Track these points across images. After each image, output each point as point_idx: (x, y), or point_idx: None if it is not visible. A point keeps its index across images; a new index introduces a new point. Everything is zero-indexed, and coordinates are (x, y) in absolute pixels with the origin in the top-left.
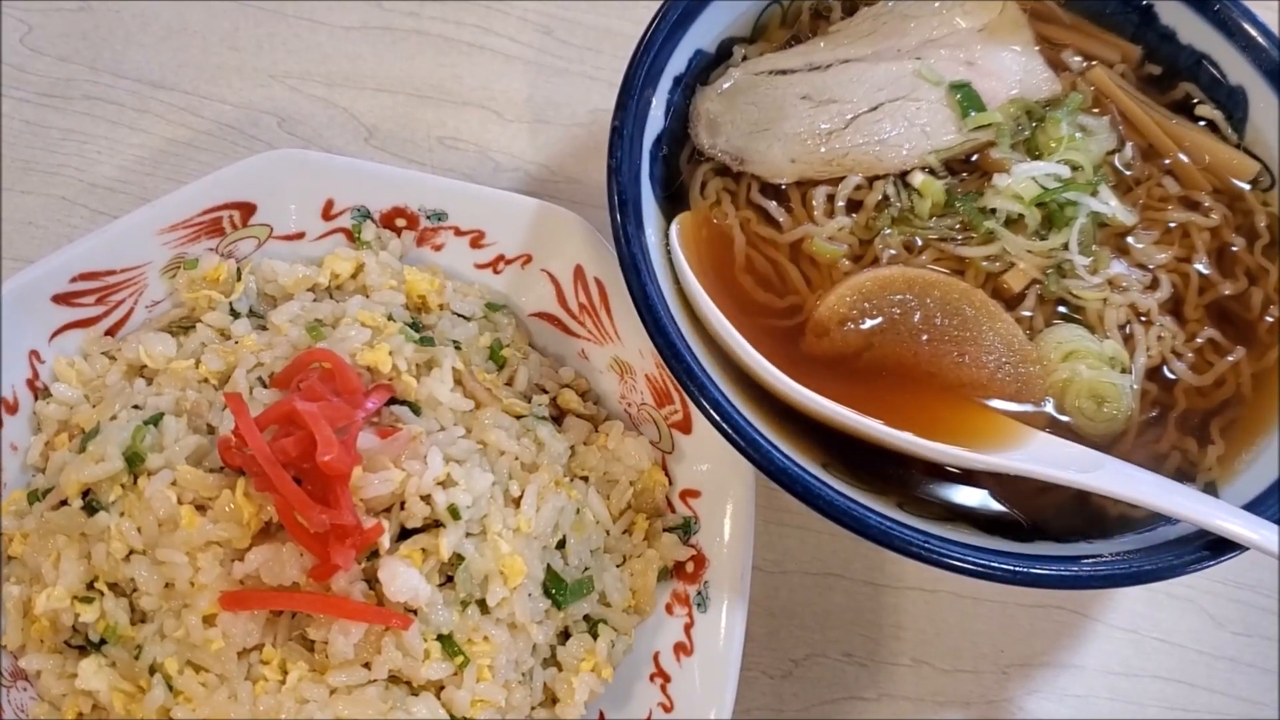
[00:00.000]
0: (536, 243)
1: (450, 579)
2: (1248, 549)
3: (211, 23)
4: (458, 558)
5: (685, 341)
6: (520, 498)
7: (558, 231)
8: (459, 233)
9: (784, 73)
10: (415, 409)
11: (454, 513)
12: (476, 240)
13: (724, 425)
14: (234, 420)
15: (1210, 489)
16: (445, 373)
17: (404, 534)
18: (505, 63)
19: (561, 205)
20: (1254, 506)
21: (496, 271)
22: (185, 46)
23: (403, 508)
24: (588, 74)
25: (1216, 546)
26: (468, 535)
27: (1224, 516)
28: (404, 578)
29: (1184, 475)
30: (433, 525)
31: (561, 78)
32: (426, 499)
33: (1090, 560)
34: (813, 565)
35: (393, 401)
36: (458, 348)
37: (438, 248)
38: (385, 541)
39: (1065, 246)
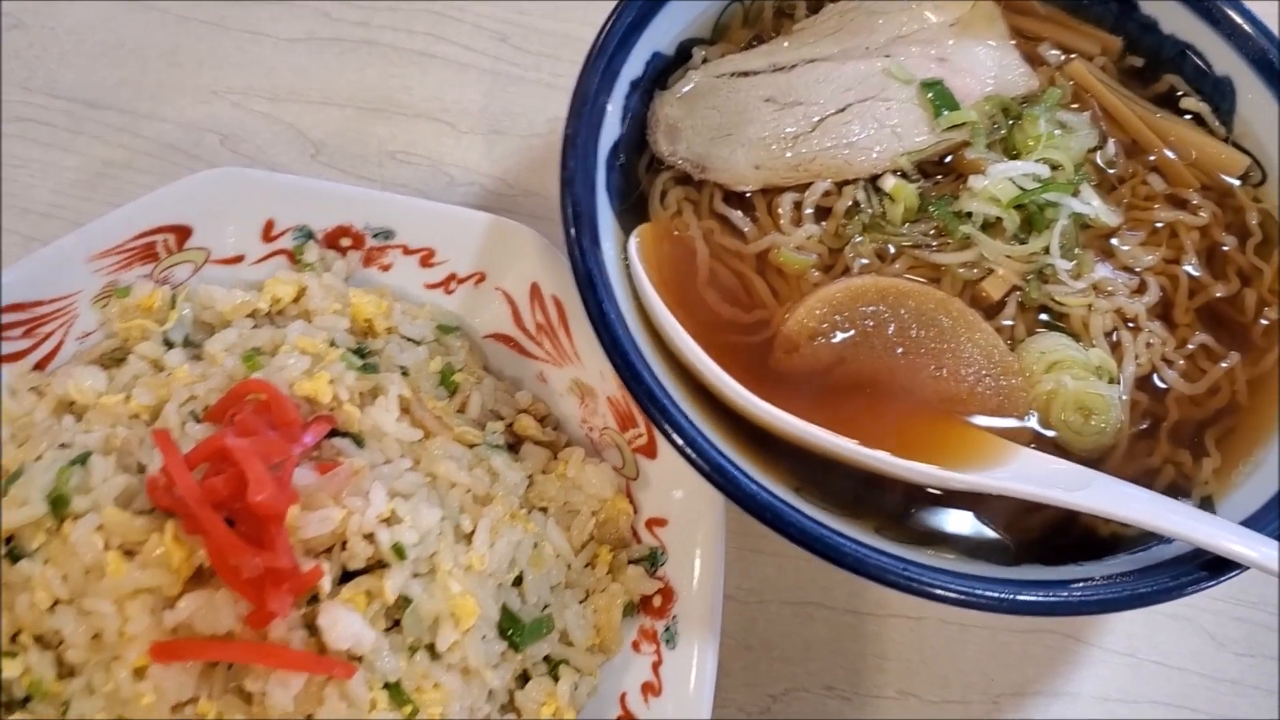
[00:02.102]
0: (490, 260)
1: (397, 623)
2: (1248, 568)
3: (150, 39)
4: (404, 600)
5: (646, 362)
6: (473, 533)
7: (512, 247)
8: (408, 251)
9: (746, 74)
10: (358, 441)
11: (399, 552)
12: (426, 259)
13: (688, 450)
14: (162, 458)
15: (1207, 504)
16: (390, 401)
17: (346, 576)
18: (459, 72)
19: (519, 220)
20: (1254, 522)
21: (448, 291)
22: (123, 64)
23: (344, 548)
24: (545, 82)
25: (1215, 566)
26: (415, 575)
27: (1221, 534)
28: (346, 623)
29: (1178, 490)
30: (377, 566)
31: (518, 86)
32: (370, 538)
33: (1080, 584)
34: (791, 594)
35: (334, 434)
36: (405, 374)
37: (385, 268)
38: (326, 585)
39: (1046, 250)
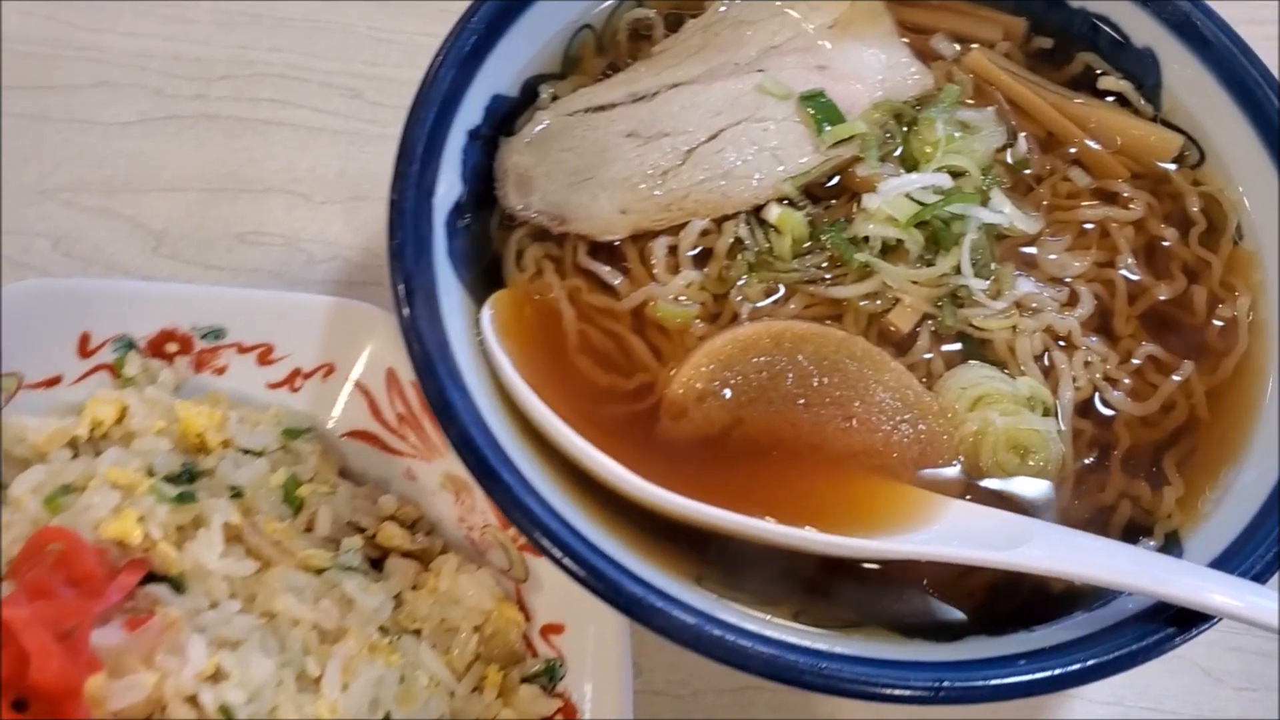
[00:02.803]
0: (337, 348)
1: None
2: None
3: None
4: None
5: (504, 453)
6: (321, 677)
7: (360, 331)
8: (242, 349)
9: (603, 109)
10: (177, 585)
11: (227, 714)
12: (264, 356)
13: (553, 550)
14: None
15: (1172, 541)
16: (214, 534)
17: None
18: (309, 136)
19: (387, 294)
20: (1230, 559)
21: (294, 389)
22: None
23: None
24: None
25: (1187, 616)
26: None
27: (1191, 584)
28: None
29: (1138, 528)
30: None
31: (377, 145)
32: (192, 700)
33: (1027, 660)
34: (727, 679)
35: (150, 579)
36: (238, 495)
37: (220, 371)
38: None
39: (957, 270)
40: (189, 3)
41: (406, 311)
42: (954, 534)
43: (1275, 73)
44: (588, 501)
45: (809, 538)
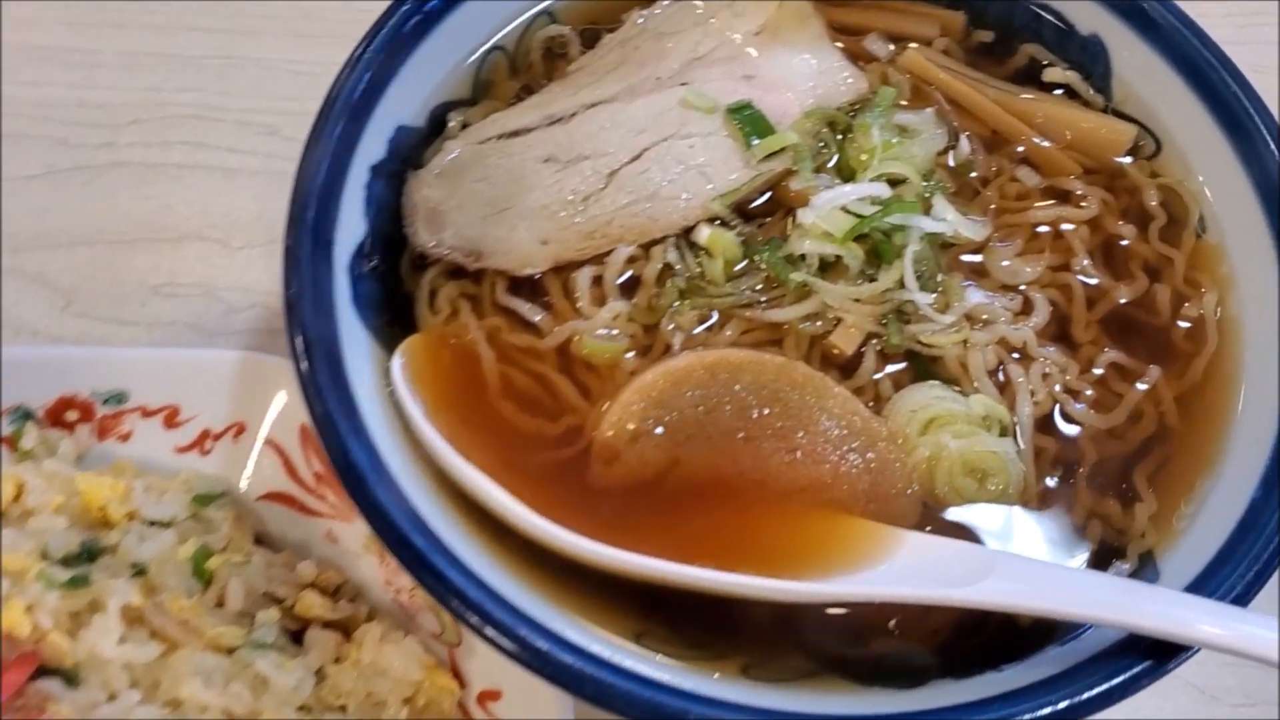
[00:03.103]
0: (247, 406)
1: None
2: None
3: None
4: None
5: (414, 515)
6: None
7: (271, 386)
8: (147, 413)
9: (518, 134)
10: (70, 679)
11: None
12: (171, 418)
13: (469, 617)
14: None
15: (1147, 562)
16: (111, 619)
17: None
18: (226, 179)
19: None
20: (1210, 579)
21: (204, 452)
22: None
23: None
24: None
25: (1165, 647)
26: None
27: (1176, 617)
28: None
29: (1111, 550)
30: None
31: None
32: None
33: (998, 704)
34: None
35: (41, 673)
36: (142, 572)
37: (124, 437)
38: None
39: (901, 284)
40: (93, 48)
41: (305, 366)
42: (909, 570)
43: (1277, 117)
44: (515, 559)
45: (753, 584)
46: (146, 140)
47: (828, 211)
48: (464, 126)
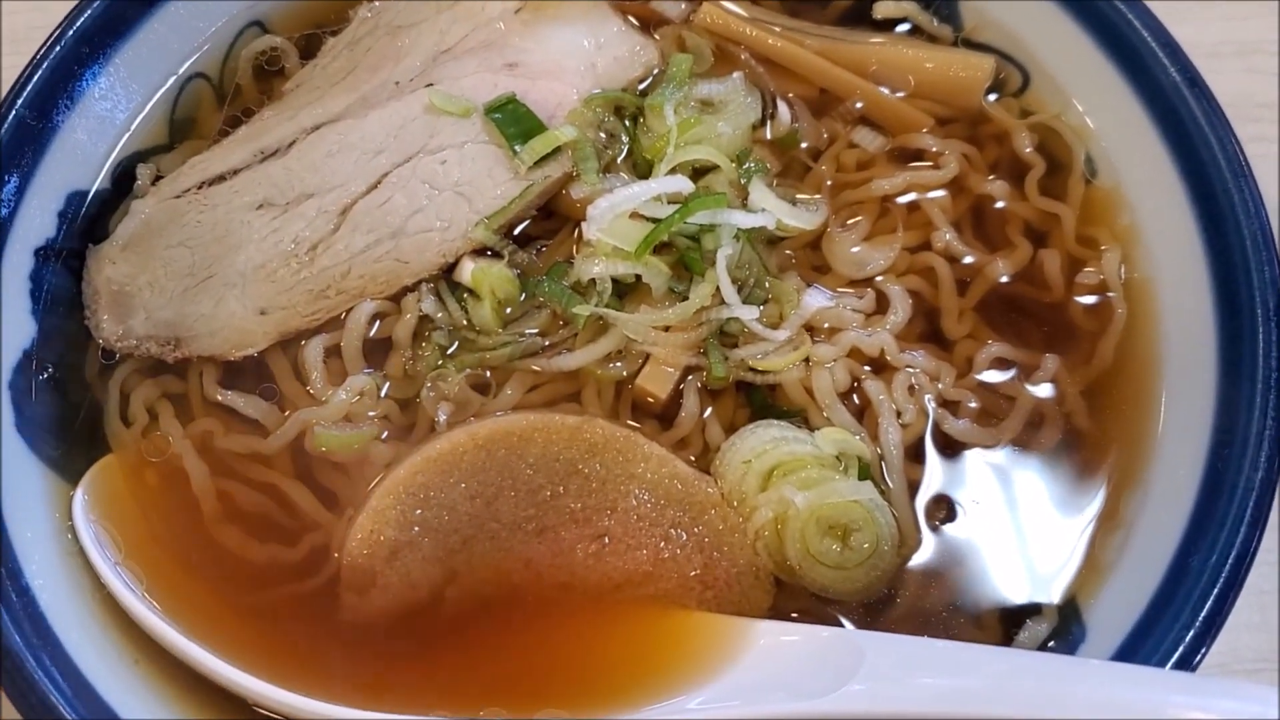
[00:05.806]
0: None
1: None
2: None
3: None
4: None
5: (89, 691)
6: None
7: None
8: None
9: (222, 178)
10: None
11: None
12: None
13: None
14: None
15: (1070, 615)
16: None
17: None
18: None
19: None
20: (1149, 631)
21: None
22: None
23: None
24: None
25: None
26: None
27: (1120, 697)
28: None
29: (1022, 609)
30: None
31: None
32: None
33: None
34: None
35: None
36: None
37: None
38: None
39: (720, 299)
40: None
41: None
42: (758, 676)
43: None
44: None
45: None
46: None
47: (611, 221)
48: (156, 179)
